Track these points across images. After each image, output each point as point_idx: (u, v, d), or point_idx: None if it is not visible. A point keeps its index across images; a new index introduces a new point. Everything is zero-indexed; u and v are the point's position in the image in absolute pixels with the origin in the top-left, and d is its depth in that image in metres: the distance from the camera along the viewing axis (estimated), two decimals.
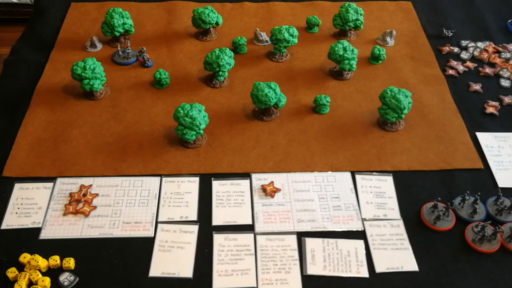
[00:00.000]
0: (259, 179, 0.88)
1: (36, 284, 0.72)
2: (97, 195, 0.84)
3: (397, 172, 0.90)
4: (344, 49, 1.04)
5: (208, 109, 0.93)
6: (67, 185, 0.86)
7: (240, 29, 1.21)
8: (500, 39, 1.20)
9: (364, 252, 0.78)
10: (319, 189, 0.87)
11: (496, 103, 1.03)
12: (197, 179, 0.88)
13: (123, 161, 0.90)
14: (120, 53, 1.11)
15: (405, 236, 0.81)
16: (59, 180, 0.86)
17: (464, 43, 1.19)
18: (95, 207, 0.83)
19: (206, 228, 0.81)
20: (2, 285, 0.73)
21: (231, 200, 0.85)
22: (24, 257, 0.75)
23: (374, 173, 0.89)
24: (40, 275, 0.73)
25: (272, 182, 0.87)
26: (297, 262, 0.77)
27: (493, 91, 1.07)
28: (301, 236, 0.80)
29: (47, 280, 0.73)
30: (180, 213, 0.83)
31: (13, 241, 0.76)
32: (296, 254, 0.78)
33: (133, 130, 0.95)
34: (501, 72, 1.11)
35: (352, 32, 1.19)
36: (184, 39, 1.18)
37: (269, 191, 0.86)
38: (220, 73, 1.02)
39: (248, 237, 0.80)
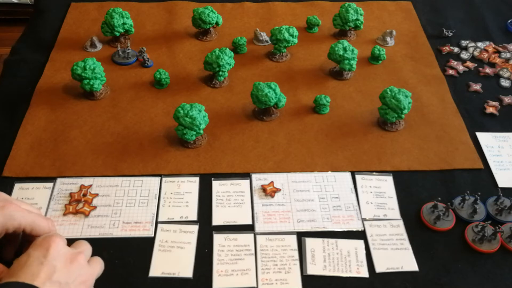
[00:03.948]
0: (259, 179, 0.88)
1: None
2: (97, 195, 0.84)
3: (397, 172, 0.90)
4: (344, 49, 1.04)
5: (208, 109, 0.93)
6: (67, 185, 0.86)
7: (240, 29, 1.21)
8: (500, 39, 1.20)
9: (364, 252, 0.78)
10: (319, 189, 0.87)
11: (496, 103, 1.03)
12: (197, 179, 0.88)
13: (123, 161, 0.90)
14: (120, 53, 1.11)
15: (405, 236, 0.81)
16: (59, 180, 0.86)
17: (464, 43, 1.19)
18: (95, 207, 0.83)
19: (206, 228, 0.81)
20: None
21: (231, 200, 0.85)
22: None
23: (374, 173, 0.89)
24: None
25: (272, 182, 0.87)
26: (297, 262, 0.77)
27: (493, 91, 1.07)
28: (301, 236, 0.80)
29: None
30: (180, 213, 0.83)
31: None
32: (296, 254, 0.78)
33: (133, 130, 0.95)
34: (501, 72, 1.11)
35: (352, 32, 1.19)
36: (184, 39, 1.18)
37: (269, 191, 0.86)
38: (220, 73, 1.02)
39: (248, 237, 0.80)
